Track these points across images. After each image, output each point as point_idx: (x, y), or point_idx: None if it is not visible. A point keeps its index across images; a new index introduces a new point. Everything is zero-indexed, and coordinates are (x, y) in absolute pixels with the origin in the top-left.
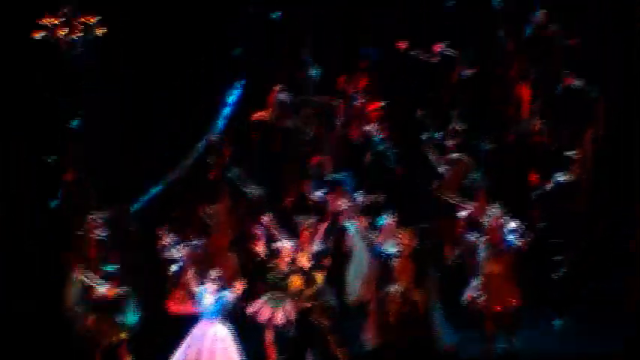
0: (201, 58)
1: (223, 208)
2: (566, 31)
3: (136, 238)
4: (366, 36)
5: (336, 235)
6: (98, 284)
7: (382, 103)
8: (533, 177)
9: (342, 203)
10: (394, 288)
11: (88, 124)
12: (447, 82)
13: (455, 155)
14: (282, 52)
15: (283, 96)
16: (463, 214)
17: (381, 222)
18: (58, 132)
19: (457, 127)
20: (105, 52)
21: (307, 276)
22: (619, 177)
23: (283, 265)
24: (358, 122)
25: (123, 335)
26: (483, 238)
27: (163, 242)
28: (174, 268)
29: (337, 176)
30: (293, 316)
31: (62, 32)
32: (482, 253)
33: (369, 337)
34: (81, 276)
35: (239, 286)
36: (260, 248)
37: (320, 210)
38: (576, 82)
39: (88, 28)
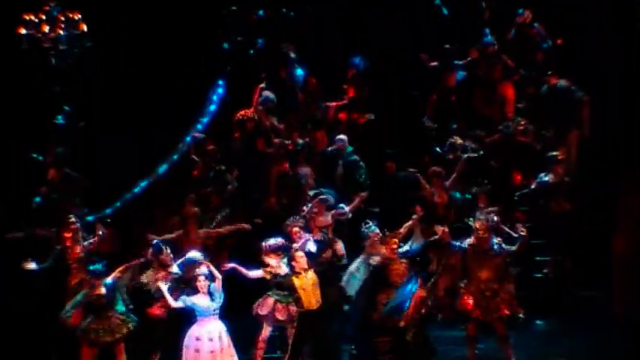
0: (186, 56)
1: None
2: (553, 30)
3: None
4: (354, 42)
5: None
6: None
7: (369, 116)
8: (518, 177)
9: (327, 217)
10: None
11: (71, 122)
12: (444, 86)
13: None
14: (268, 50)
15: (267, 94)
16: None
17: (368, 231)
18: (42, 130)
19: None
20: (89, 50)
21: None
22: (603, 178)
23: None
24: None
25: (120, 335)
26: (472, 243)
27: (164, 257)
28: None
29: (320, 190)
30: (294, 314)
31: (45, 28)
32: (471, 258)
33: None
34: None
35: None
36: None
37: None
38: (561, 82)
39: (72, 24)
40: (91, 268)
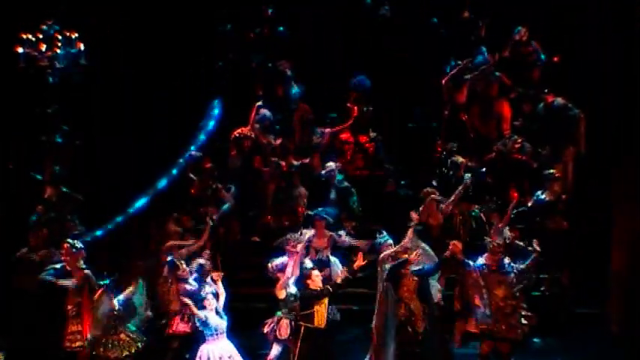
0: (183, 72)
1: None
2: (550, 48)
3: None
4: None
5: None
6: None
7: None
8: (514, 195)
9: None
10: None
11: (68, 140)
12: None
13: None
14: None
15: (264, 112)
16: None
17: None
18: (39, 147)
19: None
20: (86, 67)
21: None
22: (599, 195)
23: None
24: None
25: (127, 353)
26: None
27: (181, 272)
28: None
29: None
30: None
31: (42, 47)
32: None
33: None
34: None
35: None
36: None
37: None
38: (558, 100)
39: (69, 43)
40: (101, 282)
